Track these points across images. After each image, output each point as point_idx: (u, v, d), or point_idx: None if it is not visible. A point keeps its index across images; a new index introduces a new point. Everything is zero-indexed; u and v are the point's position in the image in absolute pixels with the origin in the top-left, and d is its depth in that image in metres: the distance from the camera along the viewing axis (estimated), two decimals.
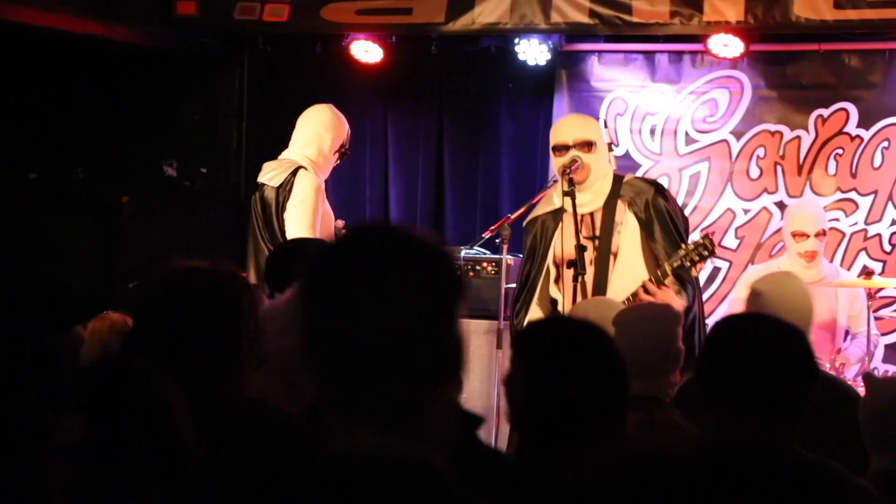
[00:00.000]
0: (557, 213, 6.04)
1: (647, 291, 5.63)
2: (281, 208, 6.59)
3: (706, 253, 5.60)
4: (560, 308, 5.96)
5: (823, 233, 7.18)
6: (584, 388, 2.96)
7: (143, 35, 8.32)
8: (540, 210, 6.21)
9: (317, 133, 6.84)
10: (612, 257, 5.88)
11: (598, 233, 5.85)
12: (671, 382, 4.32)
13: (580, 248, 5.67)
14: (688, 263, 5.62)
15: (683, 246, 5.66)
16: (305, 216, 6.51)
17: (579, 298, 5.65)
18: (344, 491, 1.87)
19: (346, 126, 6.94)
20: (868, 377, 3.83)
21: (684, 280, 5.79)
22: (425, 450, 1.91)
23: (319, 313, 1.93)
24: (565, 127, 6.10)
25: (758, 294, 4.71)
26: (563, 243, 5.95)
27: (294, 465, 1.93)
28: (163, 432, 2.55)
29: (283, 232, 6.56)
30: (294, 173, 6.67)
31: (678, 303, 5.63)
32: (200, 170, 8.62)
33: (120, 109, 8.56)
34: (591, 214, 5.94)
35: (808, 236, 7.09)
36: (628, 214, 5.92)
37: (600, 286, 5.79)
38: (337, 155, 6.89)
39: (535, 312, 6.06)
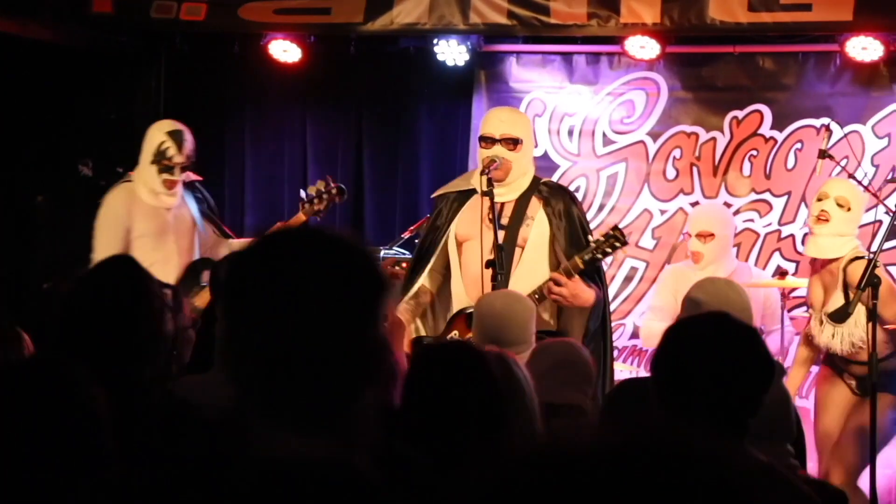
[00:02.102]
0: (467, 194, 6.04)
1: (557, 284, 5.62)
2: None
3: (618, 244, 5.61)
4: (460, 293, 5.92)
5: (708, 234, 7.20)
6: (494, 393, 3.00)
7: (57, 33, 8.22)
8: (452, 187, 6.20)
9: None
10: (517, 248, 5.88)
11: (505, 222, 5.84)
12: (594, 394, 4.43)
13: (499, 249, 5.67)
14: (599, 255, 5.63)
15: (593, 238, 5.66)
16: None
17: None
18: (267, 495, 1.86)
19: (157, 135, 6.87)
20: None
21: (594, 277, 5.82)
22: (350, 453, 1.90)
23: (239, 315, 1.92)
24: (495, 120, 6.09)
25: (695, 302, 4.75)
26: (469, 224, 5.94)
27: (214, 469, 1.91)
28: (88, 435, 2.52)
29: None
30: None
31: (589, 293, 5.66)
32: (116, 169, 8.52)
33: (34, 108, 8.44)
34: (503, 204, 5.94)
35: (691, 236, 7.20)
36: (541, 212, 5.92)
37: (493, 275, 5.76)
38: (155, 167, 6.85)
39: (424, 282, 6.05)
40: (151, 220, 6.80)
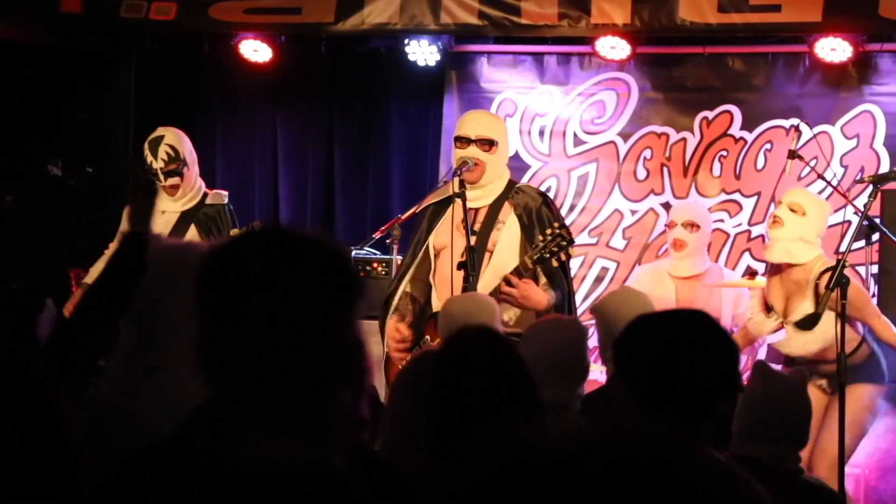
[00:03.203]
0: (446, 202, 6.04)
1: (509, 284, 5.62)
2: None
3: (564, 243, 5.60)
4: (433, 298, 5.94)
5: (694, 225, 7.25)
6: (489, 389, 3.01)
7: (26, 32, 8.18)
8: (433, 197, 6.20)
9: None
10: (487, 253, 5.88)
11: (476, 228, 5.84)
12: (578, 393, 4.41)
13: (471, 251, 5.67)
14: (547, 255, 5.61)
15: (540, 239, 5.66)
16: None
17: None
18: (247, 497, 1.85)
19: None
20: (761, 365, 3.89)
21: (555, 281, 5.81)
22: (329, 454, 1.90)
23: (214, 317, 1.91)
24: (471, 122, 6.08)
25: (598, 313, 4.80)
26: (443, 233, 5.94)
27: (193, 472, 1.89)
28: (52, 436, 2.50)
29: None
30: None
31: (541, 296, 5.66)
32: (86, 169, 8.49)
33: (3, 107, 8.40)
34: (476, 210, 5.94)
35: (677, 224, 7.21)
36: (512, 216, 5.93)
37: (466, 278, 5.76)
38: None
39: (407, 289, 6.04)
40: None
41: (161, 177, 6.75)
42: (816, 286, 6.04)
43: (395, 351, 5.85)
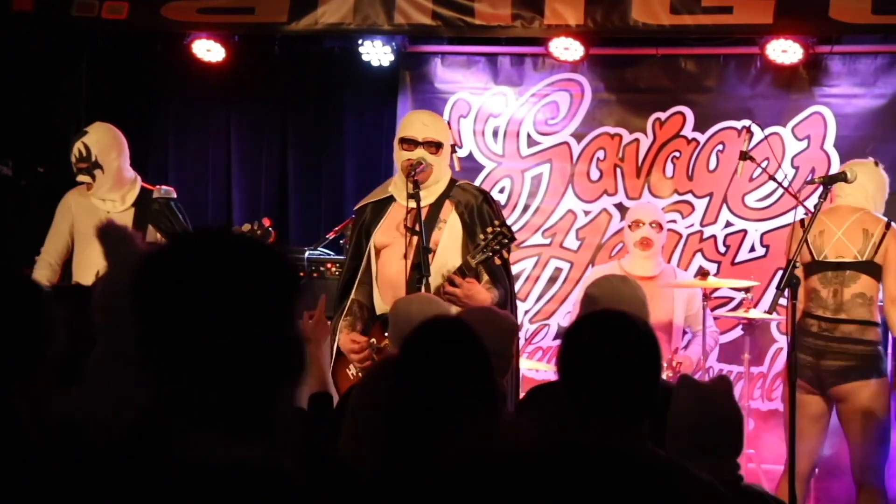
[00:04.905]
0: (385, 202, 6.03)
1: (452, 284, 5.61)
2: None
3: (506, 241, 5.60)
4: (376, 299, 5.91)
5: (660, 226, 7.32)
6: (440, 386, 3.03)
7: None
8: (371, 197, 6.18)
9: None
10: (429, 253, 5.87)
11: (418, 227, 5.82)
12: (503, 385, 4.41)
13: (425, 251, 5.66)
14: (489, 253, 5.61)
15: (482, 238, 5.65)
16: None
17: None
18: (192, 500, 1.83)
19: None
20: (685, 379, 3.89)
21: (497, 279, 5.82)
22: (275, 454, 1.89)
23: (153, 320, 1.89)
24: (418, 123, 6.05)
25: (591, 298, 4.78)
26: (384, 232, 5.93)
27: (135, 476, 1.87)
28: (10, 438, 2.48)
29: None
30: None
31: (485, 295, 5.67)
32: (37, 169, 8.43)
33: None
34: (418, 209, 5.93)
35: (644, 223, 7.25)
36: (453, 215, 5.92)
37: (415, 278, 5.75)
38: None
39: (357, 297, 6.01)
40: (88, 219, 6.73)
41: (80, 174, 6.79)
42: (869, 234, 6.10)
43: (359, 362, 5.81)
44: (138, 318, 1.90)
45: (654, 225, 7.29)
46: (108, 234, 3.07)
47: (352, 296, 5.97)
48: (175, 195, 6.88)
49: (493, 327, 4.49)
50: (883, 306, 6.14)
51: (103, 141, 6.84)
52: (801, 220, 6.19)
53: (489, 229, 5.62)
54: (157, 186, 6.93)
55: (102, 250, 3.08)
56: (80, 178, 6.81)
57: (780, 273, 6.35)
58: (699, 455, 3.64)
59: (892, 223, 6.18)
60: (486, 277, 5.80)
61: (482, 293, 5.66)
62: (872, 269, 6.09)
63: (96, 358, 2.89)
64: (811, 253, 6.17)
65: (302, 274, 7.07)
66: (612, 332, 3.04)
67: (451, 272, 5.66)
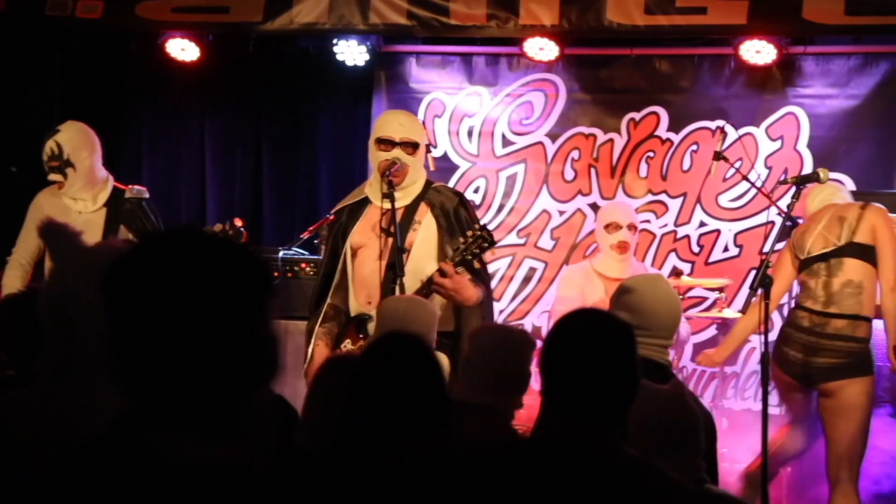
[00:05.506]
0: (361, 204, 6.02)
1: (443, 275, 5.58)
2: None
3: (486, 245, 5.60)
4: (350, 300, 5.90)
5: (635, 228, 7.32)
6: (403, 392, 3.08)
7: None
8: (347, 200, 6.16)
9: None
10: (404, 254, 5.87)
11: (393, 229, 5.80)
12: (515, 402, 4.45)
13: (399, 251, 5.65)
14: (469, 257, 5.61)
15: (462, 240, 5.65)
16: None
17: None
18: (164, 500, 1.83)
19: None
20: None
21: (481, 279, 5.82)
22: (249, 454, 1.89)
23: (124, 320, 1.89)
24: (394, 123, 6.02)
25: (628, 291, 4.74)
26: (361, 233, 5.93)
27: (107, 477, 1.86)
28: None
29: None
30: None
31: (473, 291, 5.67)
32: (10, 168, 8.39)
33: None
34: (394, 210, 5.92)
35: (622, 227, 7.22)
36: (429, 216, 5.91)
37: (389, 278, 5.75)
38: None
39: (334, 301, 6.01)
40: (60, 219, 6.69)
41: (51, 172, 6.77)
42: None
43: None
44: (108, 318, 1.89)
45: (630, 228, 7.29)
46: (51, 232, 3.02)
47: (328, 300, 5.96)
48: (147, 195, 6.86)
49: (507, 346, 4.54)
50: (881, 298, 6.11)
51: (75, 139, 6.80)
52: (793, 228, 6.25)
53: (469, 233, 5.61)
54: (130, 186, 6.90)
55: (47, 250, 3.06)
56: (52, 176, 6.77)
57: (753, 273, 6.37)
58: (657, 459, 3.66)
59: (870, 203, 6.21)
60: (468, 276, 5.80)
61: (470, 288, 5.65)
62: (856, 250, 6.07)
63: (45, 360, 2.84)
64: (797, 253, 6.20)
65: (276, 273, 7.05)
66: (591, 334, 3.05)
67: (441, 265, 5.63)
